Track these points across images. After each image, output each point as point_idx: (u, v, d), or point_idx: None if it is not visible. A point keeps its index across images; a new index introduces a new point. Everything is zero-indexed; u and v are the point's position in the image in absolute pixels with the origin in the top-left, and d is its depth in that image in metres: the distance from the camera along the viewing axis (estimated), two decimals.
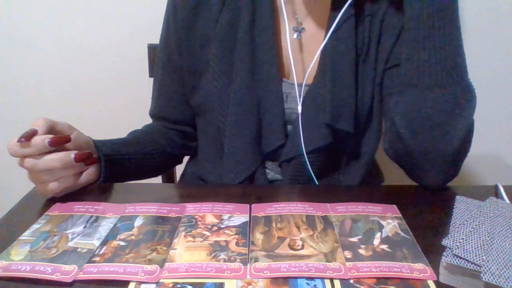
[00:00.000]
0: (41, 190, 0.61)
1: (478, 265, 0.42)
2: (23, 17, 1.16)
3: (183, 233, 0.53)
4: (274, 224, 0.55)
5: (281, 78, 0.74)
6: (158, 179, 0.97)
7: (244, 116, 0.72)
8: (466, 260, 0.43)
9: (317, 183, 0.74)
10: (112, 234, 0.53)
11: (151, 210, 0.58)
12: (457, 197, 0.58)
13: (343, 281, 0.44)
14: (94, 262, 0.47)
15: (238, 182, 0.73)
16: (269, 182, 0.76)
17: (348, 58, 0.70)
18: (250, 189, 0.70)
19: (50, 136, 0.58)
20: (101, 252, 0.49)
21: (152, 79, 0.86)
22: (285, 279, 0.45)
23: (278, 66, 0.72)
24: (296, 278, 0.45)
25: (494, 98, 1.18)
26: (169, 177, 1.01)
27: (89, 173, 0.66)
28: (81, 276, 0.45)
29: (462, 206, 0.56)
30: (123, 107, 1.22)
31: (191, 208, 0.59)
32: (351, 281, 0.44)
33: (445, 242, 0.46)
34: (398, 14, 0.69)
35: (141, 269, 0.46)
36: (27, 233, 0.53)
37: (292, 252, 0.49)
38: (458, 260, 0.43)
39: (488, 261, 0.42)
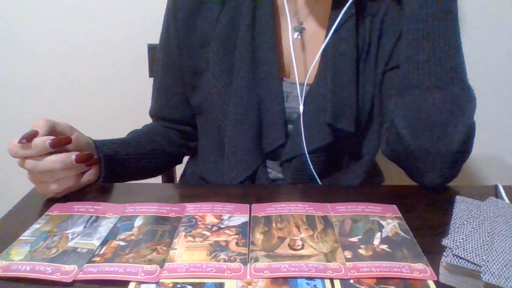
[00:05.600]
0: (41, 191, 0.61)
1: (478, 265, 0.42)
2: (23, 17, 1.16)
3: (183, 233, 0.53)
4: (274, 224, 0.55)
5: (282, 77, 0.74)
6: (158, 179, 0.97)
7: (244, 115, 0.72)
8: (466, 260, 0.43)
9: (319, 183, 0.74)
10: (112, 234, 0.53)
11: (151, 210, 0.58)
12: (457, 197, 0.58)
13: (343, 281, 0.44)
14: (94, 262, 0.47)
15: (239, 181, 0.73)
16: (270, 182, 0.76)
17: (349, 57, 0.70)
18: (250, 189, 0.70)
19: (51, 137, 0.58)
20: (101, 252, 0.49)
21: (152, 79, 0.86)
22: (285, 279, 0.45)
23: (278, 66, 0.72)
24: (296, 278, 0.45)
25: (494, 98, 1.18)
26: (169, 177, 1.01)
27: (89, 174, 0.66)
28: (81, 276, 0.45)
29: (462, 206, 0.56)
30: (123, 107, 1.22)
31: (191, 208, 0.59)
32: (351, 281, 0.44)
33: (445, 242, 0.46)
34: (399, 15, 0.69)
35: (141, 269, 0.46)
36: (27, 233, 0.53)
37: (292, 252, 0.49)
38: (458, 260, 0.43)
39: (488, 261, 0.42)
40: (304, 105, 0.71)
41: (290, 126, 0.75)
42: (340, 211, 0.58)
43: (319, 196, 0.63)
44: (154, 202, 0.61)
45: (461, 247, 0.44)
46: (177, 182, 0.98)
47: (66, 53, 1.19)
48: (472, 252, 0.44)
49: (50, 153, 0.59)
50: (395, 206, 0.59)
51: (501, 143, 1.26)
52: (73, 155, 0.60)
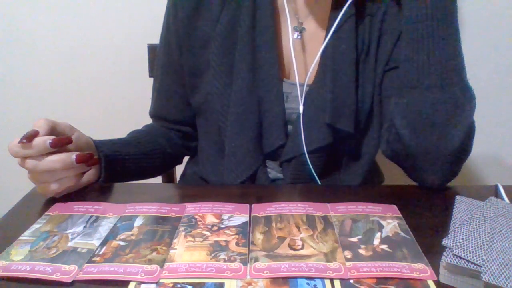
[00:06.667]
0: (42, 190, 0.61)
1: (478, 265, 0.42)
2: (23, 17, 1.16)
3: (183, 233, 0.53)
4: (274, 224, 0.55)
5: (282, 78, 0.74)
6: (158, 179, 0.97)
7: (244, 116, 0.72)
8: (466, 260, 0.43)
9: (319, 183, 0.74)
10: (112, 234, 0.53)
11: (151, 210, 0.58)
12: (457, 197, 0.58)
13: (343, 281, 0.44)
14: (94, 262, 0.47)
15: (239, 181, 0.73)
16: (270, 182, 0.76)
17: (349, 58, 0.70)
18: (250, 189, 0.70)
19: (52, 137, 0.58)
20: (101, 252, 0.49)
21: (152, 79, 0.86)
22: (285, 279, 0.45)
23: (278, 66, 0.72)
24: (296, 278, 0.45)
25: (494, 98, 1.19)
26: (169, 177, 1.01)
27: (89, 174, 0.66)
28: (81, 276, 0.45)
29: (462, 206, 0.56)
30: (123, 107, 1.23)
31: (191, 208, 0.59)
32: (351, 281, 0.44)
33: (445, 242, 0.46)
34: (399, 15, 0.69)
35: (141, 269, 0.46)
36: (27, 233, 0.53)
37: (292, 252, 0.49)
38: (458, 260, 0.43)
39: (488, 261, 0.42)
40: (304, 105, 0.71)
41: (289, 127, 0.75)
42: (340, 211, 0.58)
43: (319, 196, 0.63)
44: (154, 202, 0.61)
45: (461, 247, 0.44)
46: (177, 182, 0.98)
47: (66, 53, 1.19)
48: (472, 252, 0.44)
49: (51, 153, 0.59)
50: (395, 206, 0.59)
51: (501, 143, 1.26)
52: (73, 155, 0.60)
